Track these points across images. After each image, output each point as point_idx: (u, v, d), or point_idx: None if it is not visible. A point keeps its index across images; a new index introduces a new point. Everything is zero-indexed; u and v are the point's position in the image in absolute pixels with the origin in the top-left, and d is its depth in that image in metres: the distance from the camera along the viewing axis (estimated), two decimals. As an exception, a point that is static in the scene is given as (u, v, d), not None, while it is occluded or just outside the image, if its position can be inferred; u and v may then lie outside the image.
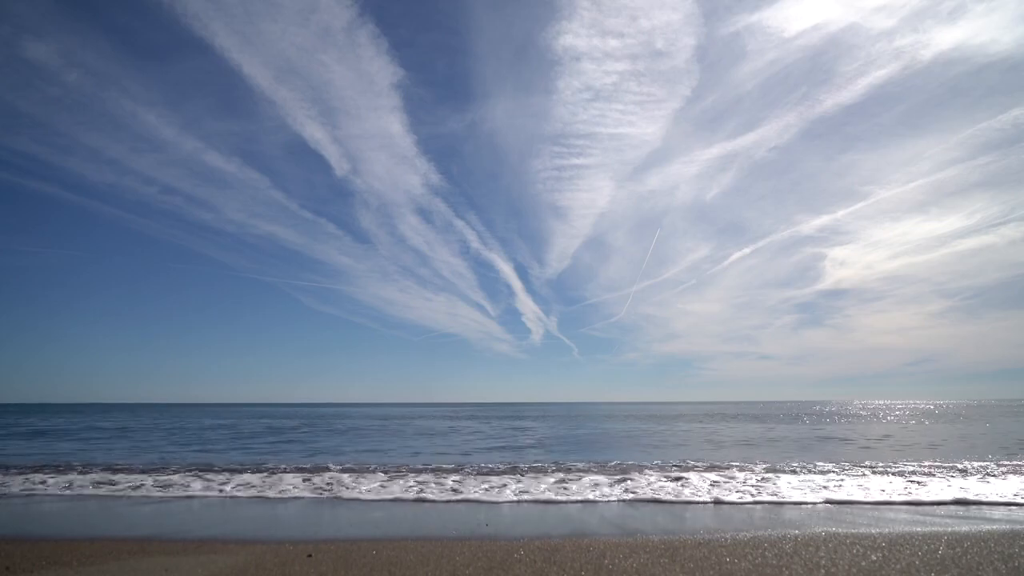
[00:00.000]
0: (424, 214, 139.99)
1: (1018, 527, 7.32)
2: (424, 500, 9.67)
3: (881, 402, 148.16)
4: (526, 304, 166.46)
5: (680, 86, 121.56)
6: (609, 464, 14.28)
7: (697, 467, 13.63)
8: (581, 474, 12.42)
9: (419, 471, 13.16)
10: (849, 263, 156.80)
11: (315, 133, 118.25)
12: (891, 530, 7.12)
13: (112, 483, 11.50)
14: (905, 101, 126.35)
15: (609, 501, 9.52)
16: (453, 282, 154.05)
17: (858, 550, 6.03)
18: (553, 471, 13.06)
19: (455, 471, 13.20)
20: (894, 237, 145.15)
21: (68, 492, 10.56)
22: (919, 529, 7.18)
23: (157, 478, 12.10)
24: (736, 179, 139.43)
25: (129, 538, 7.00)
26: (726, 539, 6.63)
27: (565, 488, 10.53)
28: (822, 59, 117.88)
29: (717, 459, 15.35)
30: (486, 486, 10.76)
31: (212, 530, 7.51)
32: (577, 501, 9.54)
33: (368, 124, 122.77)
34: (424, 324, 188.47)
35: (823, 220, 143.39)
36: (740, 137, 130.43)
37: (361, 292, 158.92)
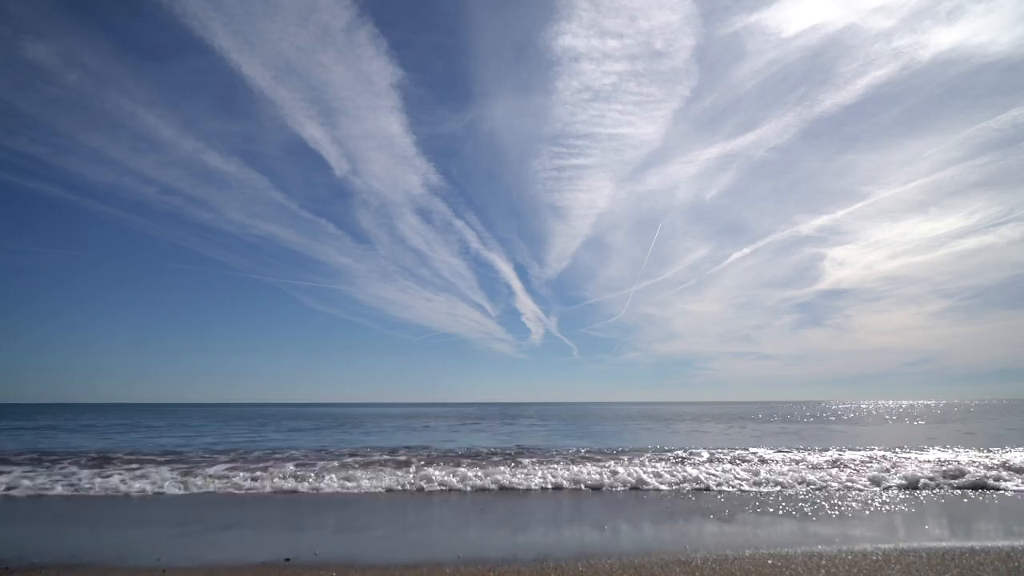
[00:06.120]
0: (424, 214, 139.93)
1: (1018, 528, 7.35)
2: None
3: (879, 402, 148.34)
4: (526, 304, 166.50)
5: (679, 86, 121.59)
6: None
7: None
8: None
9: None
10: (849, 263, 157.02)
11: (315, 133, 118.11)
12: (891, 531, 7.14)
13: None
14: (904, 101, 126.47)
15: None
16: (453, 282, 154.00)
17: (858, 551, 6.05)
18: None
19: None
20: (894, 237, 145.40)
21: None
22: (918, 530, 7.20)
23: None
24: (735, 179, 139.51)
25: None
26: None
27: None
28: (821, 59, 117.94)
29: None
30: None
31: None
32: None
33: (367, 124, 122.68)
34: (424, 324, 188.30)
35: (822, 220, 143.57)
36: (739, 137, 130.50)
37: (361, 292, 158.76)
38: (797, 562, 5.60)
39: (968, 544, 6.29)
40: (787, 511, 8.35)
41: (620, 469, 11.71)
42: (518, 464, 13.60)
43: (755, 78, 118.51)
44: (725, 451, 16.39)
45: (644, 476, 11.03)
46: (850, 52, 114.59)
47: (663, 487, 10.49)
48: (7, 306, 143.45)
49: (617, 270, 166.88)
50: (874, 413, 56.93)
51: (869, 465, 12.75)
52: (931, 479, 10.78)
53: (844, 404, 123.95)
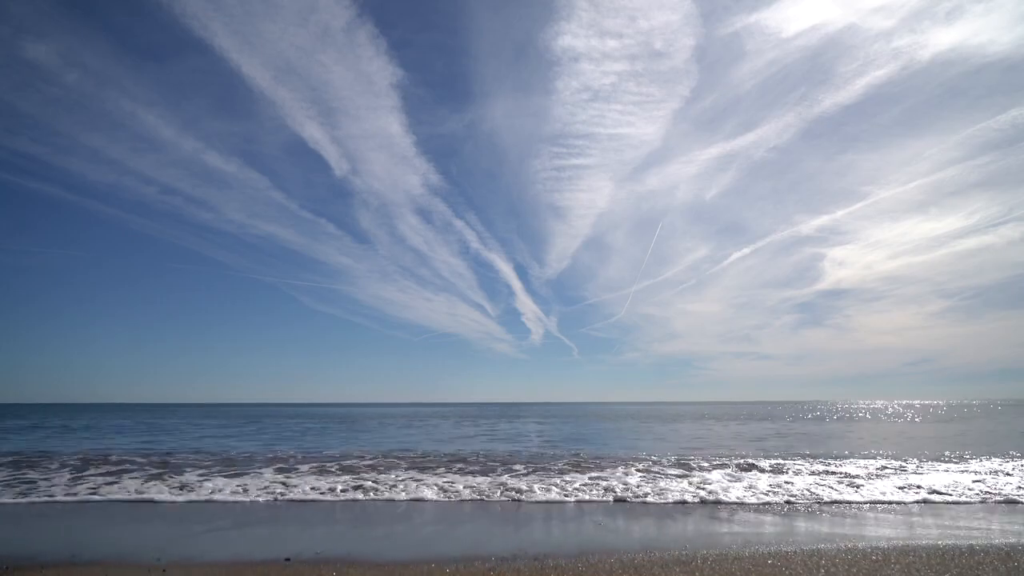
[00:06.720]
0: (424, 214, 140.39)
1: (1017, 527, 7.35)
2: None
3: (879, 402, 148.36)
4: (526, 304, 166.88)
5: (679, 86, 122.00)
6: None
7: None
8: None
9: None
10: (848, 263, 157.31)
11: (314, 133, 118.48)
12: (890, 531, 7.14)
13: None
14: (904, 101, 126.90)
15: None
16: (453, 282, 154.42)
17: (858, 551, 6.04)
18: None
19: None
20: (894, 237, 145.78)
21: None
22: (918, 530, 7.21)
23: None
24: (735, 179, 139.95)
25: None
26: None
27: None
28: (821, 59, 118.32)
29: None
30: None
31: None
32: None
33: (367, 124, 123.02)
34: (424, 324, 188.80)
35: (822, 220, 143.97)
36: (739, 137, 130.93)
37: (361, 292, 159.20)
38: (797, 562, 5.59)
39: (968, 544, 6.28)
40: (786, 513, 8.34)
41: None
42: (513, 471, 13.60)
43: (755, 78, 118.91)
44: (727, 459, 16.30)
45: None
46: (850, 52, 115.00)
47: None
48: (7, 306, 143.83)
49: (617, 270, 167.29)
50: (858, 413, 56.87)
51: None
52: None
53: (844, 404, 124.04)
